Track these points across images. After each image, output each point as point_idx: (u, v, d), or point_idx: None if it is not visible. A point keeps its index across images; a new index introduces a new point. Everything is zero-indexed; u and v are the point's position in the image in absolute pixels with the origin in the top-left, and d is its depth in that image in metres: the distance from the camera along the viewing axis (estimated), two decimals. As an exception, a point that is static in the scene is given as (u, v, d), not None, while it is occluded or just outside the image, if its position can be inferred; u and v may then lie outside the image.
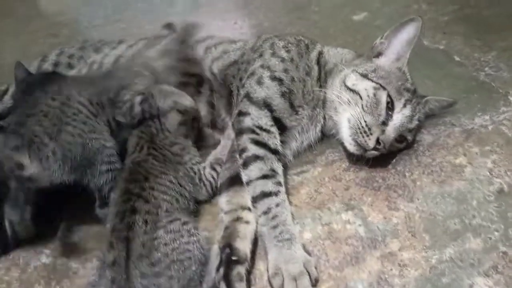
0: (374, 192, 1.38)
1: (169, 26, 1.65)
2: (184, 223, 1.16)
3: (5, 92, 1.89)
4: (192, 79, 1.54)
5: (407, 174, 1.43)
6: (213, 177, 1.41)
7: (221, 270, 1.14)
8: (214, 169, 1.42)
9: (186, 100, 1.44)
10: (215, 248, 1.20)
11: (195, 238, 1.14)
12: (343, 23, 2.38)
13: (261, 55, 1.55)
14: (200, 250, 1.13)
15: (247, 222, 1.28)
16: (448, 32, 2.13)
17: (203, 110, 1.55)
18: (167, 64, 1.48)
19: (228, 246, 1.19)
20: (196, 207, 1.37)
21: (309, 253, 1.21)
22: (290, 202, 1.35)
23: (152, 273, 1.04)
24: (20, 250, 1.37)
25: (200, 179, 1.38)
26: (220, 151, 1.50)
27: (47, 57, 1.98)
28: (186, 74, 1.52)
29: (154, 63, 1.48)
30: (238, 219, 1.29)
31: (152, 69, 1.48)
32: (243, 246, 1.21)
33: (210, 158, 1.47)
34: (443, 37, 2.10)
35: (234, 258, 1.17)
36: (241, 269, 1.15)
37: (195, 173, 1.37)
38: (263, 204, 1.26)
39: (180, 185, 1.30)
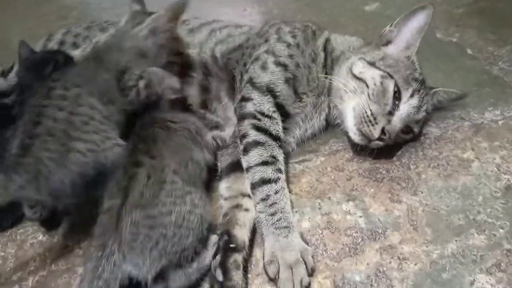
0: (377, 184, 1.35)
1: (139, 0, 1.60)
2: (189, 192, 1.14)
3: (10, 69, 1.89)
4: (178, 57, 1.50)
5: (412, 166, 1.39)
6: (212, 144, 1.42)
7: (218, 257, 1.13)
8: (214, 139, 1.43)
9: (175, 82, 1.41)
10: (214, 237, 1.18)
11: (198, 211, 1.12)
12: (354, 12, 2.33)
13: (266, 40, 1.51)
14: (201, 226, 1.11)
15: (246, 210, 1.26)
16: (461, 25, 2.06)
17: (194, 92, 1.52)
18: (156, 42, 1.42)
19: (226, 233, 1.18)
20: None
21: (306, 243, 1.18)
22: (290, 191, 1.33)
23: (144, 224, 1.02)
24: (18, 227, 1.37)
25: (202, 138, 1.38)
26: (226, 133, 1.50)
27: (52, 36, 1.97)
28: (173, 53, 1.48)
29: (143, 42, 1.42)
30: (237, 206, 1.27)
31: (143, 48, 1.42)
32: (242, 234, 1.20)
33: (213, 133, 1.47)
34: (456, 29, 2.04)
35: (232, 245, 1.15)
36: (238, 257, 1.14)
37: (197, 132, 1.37)
38: (262, 191, 1.23)
39: (190, 149, 1.30)
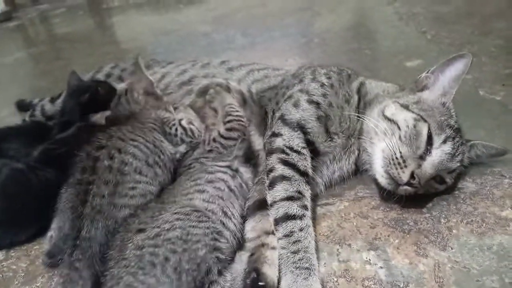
0: (402, 235, 1.25)
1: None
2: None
3: (58, 96, 2.03)
4: None
5: (442, 220, 1.28)
6: None
7: None
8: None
9: None
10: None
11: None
12: (395, 68, 2.33)
13: (301, 81, 1.53)
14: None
15: (273, 248, 1.19)
16: (508, 85, 1.98)
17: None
18: None
19: (255, 271, 1.11)
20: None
21: None
22: (310, 232, 1.25)
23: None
24: (34, 243, 1.39)
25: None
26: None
27: (102, 68, 2.12)
28: None
29: None
30: (263, 245, 1.21)
31: None
32: (271, 272, 1.12)
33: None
34: (501, 88, 1.96)
35: (261, 283, 1.08)
36: None
37: None
38: (286, 227, 1.18)
39: None
